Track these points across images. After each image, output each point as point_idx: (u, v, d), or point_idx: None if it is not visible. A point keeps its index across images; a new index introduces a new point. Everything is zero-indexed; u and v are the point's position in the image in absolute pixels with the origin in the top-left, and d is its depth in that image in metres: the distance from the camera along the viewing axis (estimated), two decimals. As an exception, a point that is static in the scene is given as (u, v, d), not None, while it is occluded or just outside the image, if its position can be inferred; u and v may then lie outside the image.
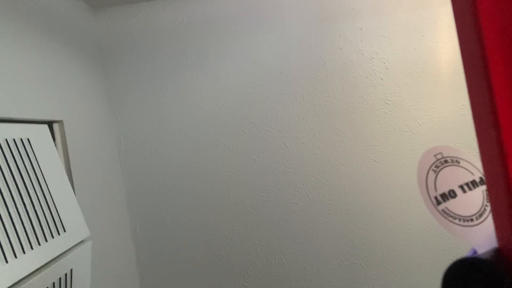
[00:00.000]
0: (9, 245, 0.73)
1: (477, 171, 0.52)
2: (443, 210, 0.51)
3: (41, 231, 0.84)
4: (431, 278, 1.48)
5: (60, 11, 1.21)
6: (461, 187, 0.52)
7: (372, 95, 1.48)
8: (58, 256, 0.88)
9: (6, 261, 0.71)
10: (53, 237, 0.88)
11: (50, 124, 1.06)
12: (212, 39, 1.50)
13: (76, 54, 1.27)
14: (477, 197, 0.51)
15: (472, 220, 0.50)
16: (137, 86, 1.51)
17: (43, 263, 0.82)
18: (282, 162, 1.50)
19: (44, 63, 1.06)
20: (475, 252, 0.48)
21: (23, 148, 0.87)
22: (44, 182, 0.91)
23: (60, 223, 0.92)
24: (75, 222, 0.99)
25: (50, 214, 0.89)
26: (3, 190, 0.76)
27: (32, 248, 0.79)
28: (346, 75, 1.48)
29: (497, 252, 0.36)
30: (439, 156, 0.54)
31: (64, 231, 0.93)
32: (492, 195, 0.35)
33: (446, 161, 0.53)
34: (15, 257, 0.74)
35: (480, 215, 0.50)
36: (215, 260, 1.51)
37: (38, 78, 1.01)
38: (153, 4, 1.51)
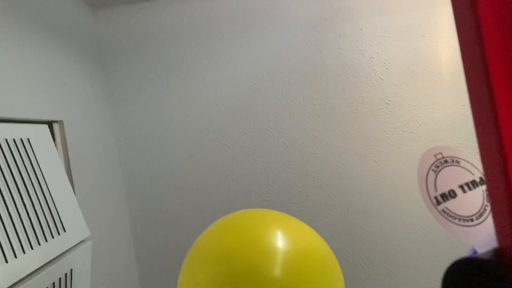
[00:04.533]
0: (9, 245, 0.73)
1: (477, 171, 0.52)
2: (443, 210, 0.51)
3: (41, 231, 0.84)
4: (431, 278, 1.48)
5: (60, 11, 1.21)
6: (461, 187, 0.52)
7: (372, 95, 1.48)
8: (58, 256, 0.88)
9: (6, 261, 0.71)
10: (53, 237, 0.88)
11: (50, 124, 1.06)
12: (212, 39, 1.50)
13: (76, 54, 1.27)
14: (477, 197, 0.51)
15: (472, 220, 0.50)
16: (137, 86, 1.51)
17: (43, 263, 0.82)
18: (282, 162, 1.50)
19: (44, 63, 1.06)
20: (475, 252, 0.48)
21: (23, 148, 0.87)
22: (44, 182, 0.91)
23: (60, 223, 0.92)
24: (75, 222, 0.99)
25: (50, 214, 0.89)
26: (3, 190, 0.76)
27: (32, 248, 0.79)
28: (346, 75, 1.48)
29: (497, 252, 0.36)
30: (439, 156, 0.54)
31: (64, 231, 0.93)
32: (492, 195, 0.35)
33: (446, 161, 0.53)
34: (15, 257, 0.74)
35: (480, 215, 0.50)
36: (215, 260, 1.51)
37: (38, 78, 1.01)
38: (153, 4, 1.51)
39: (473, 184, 0.52)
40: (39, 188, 0.88)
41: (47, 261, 0.84)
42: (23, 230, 0.78)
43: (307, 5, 1.48)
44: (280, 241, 0.74)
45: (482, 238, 0.48)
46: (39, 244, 0.82)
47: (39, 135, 0.96)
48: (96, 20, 1.50)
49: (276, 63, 1.49)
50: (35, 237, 0.81)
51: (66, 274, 0.90)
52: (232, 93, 1.50)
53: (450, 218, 0.50)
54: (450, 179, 0.52)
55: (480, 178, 0.52)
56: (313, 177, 1.49)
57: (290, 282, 0.68)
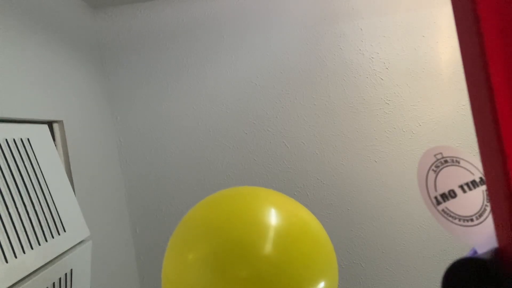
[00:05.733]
0: (9, 245, 0.73)
1: (477, 171, 0.52)
2: (443, 210, 0.51)
3: (41, 231, 0.84)
4: (431, 278, 1.48)
5: (60, 11, 1.21)
6: (461, 187, 0.52)
7: (372, 95, 1.48)
8: (58, 256, 0.88)
9: (6, 261, 0.71)
10: (53, 237, 0.88)
11: (50, 124, 1.06)
12: (212, 39, 1.50)
13: (76, 54, 1.27)
14: (477, 197, 0.51)
15: (472, 220, 0.50)
16: (137, 86, 1.51)
17: (43, 263, 0.82)
18: (282, 162, 1.50)
19: (44, 63, 1.06)
20: (475, 252, 0.48)
21: (23, 148, 0.87)
22: (44, 182, 0.91)
23: (60, 223, 0.92)
24: (75, 222, 0.99)
25: (50, 214, 0.89)
26: (3, 190, 0.76)
27: (32, 248, 0.79)
28: (346, 75, 1.48)
29: (497, 252, 0.36)
30: (439, 156, 0.54)
31: (64, 231, 0.93)
32: (492, 195, 0.35)
33: (446, 161, 0.53)
34: (15, 257, 0.74)
35: (480, 215, 0.50)
36: (215, 260, 1.50)
37: (38, 78, 1.01)
38: (153, 4, 1.51)
39: (473, 184, 0.52)
40: (39, 188, 0.88)
41: (47, 261, 0.84)
42: (23, 230, 0.78)
43: (307, 5, 1.48)
44: (271, 217, 0.71)
45: (482, 238, 0.48)
46: (39, 244, 0.82)
47: (39, 135, 0.96)
48: (96, 20, 1.50)
49: (276, 63, 1.49)
50: (35, 237, 0.81)
51: (66, 274, 0.90)
52: (232, 93, 1.50)
53: (450, 218, 0.50)
54: (450, 179, 0.52)
55: (480, 178, 0.52)
56: (313, 177, 1.49)
57: (281, 258, 0.66)
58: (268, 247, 0.66)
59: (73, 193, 1.04)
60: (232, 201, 0.77)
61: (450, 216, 0.50)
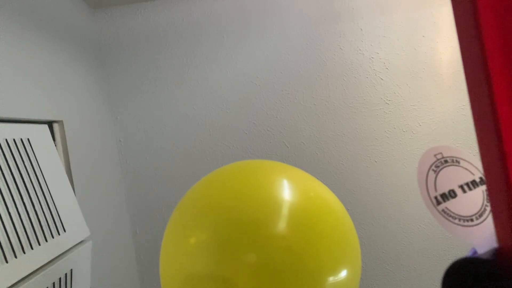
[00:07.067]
0: (9, 245, 0.73)
1: (477, 171, 0.52)
2: (443, 210, 0.51)
3: (41, 231, 0.84)
4: (431, 278, 1.48)
5: (60, 11, 1.21)
6: (461, 187, 0.52)
7: (372, 95, 1.48)
8: (58, 256, 0.88)
9: (6, 261, 0.71)
10: (53, 237, 0.88)
11: (50, 124, 1.06)
12: (212, 39, 1.50)
13: (76, 54, 1.27)
14: (477, 197, 0.51)
15: (472, 220, 0.50)
16: (137, 86, 1.51)
17: (43, 263, 0.82)
18: (282, 162, 1.49)
19: (44, 63, 1.06)
20: (475, 252, 0.48)
21: (23, 148, 0.87)
22: (44, 182, 0.91)
23: (60, 223, 0.92)
24: (75, 222, 0.99)
25: (50, 214, 0.89)
26: (3, 190, 0.76)
27: (32, 248, 0.79)
28: (346, 75, 1.48)
29: (497, 252, 0.36)
30: (439, 156, 0.54)
31: (64, 231, 0.93)
32: (492, 195, 0.35)
33: (446, 161, 0.53)
34: (15, 257, 0.74)
35: (480, 215, 0.50)
36: (215, 260, 1.50)
37: (38, 78, 1.01)
38: (153, 4, 1.51)
39: (473, 184, 0.52)
40: (39, 188, 0.88)
41: (47, 261, 0.84)
42: (23, 230, 0.78)
43: (307, 5, 1.48)
44: (284, 192, 0.62)
45: (482, 238, 0.48)
46: (39, 244, 0.82)
47: (39, 135, 0.96)
48: (96, 20, 1.50)
49: (276, 63, 1.49)
50: (35, 237, 0.81)
51: (66, 274, 0.90)
52: (232, 93, 1.50)
53: (450, 218, 0.50)
54: (450, 179, 0.52)
55: (480, 178, 0.52)
56: (313, 177, 1.49)
57: (297, 241, 0.56)
58: (281, 228, 0.57)
59: (73, 193, 1.04)
60: (239, 176, 0.66)
61: (450, 216, 0.50)
